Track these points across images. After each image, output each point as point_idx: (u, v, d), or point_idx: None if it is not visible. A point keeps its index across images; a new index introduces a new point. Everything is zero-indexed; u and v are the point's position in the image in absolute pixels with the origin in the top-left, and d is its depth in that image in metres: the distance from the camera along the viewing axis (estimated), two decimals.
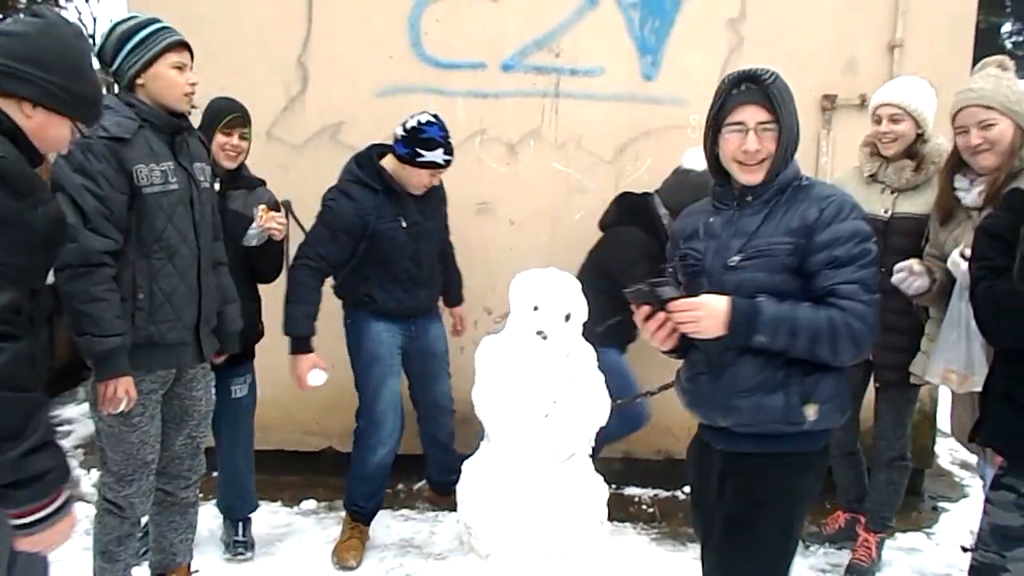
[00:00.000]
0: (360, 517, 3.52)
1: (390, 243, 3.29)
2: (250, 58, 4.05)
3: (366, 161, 3.34)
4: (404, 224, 3.30)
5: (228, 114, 3.18)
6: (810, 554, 3.53)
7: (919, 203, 3.00)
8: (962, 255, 2.47)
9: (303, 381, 3.26)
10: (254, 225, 3.16)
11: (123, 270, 2.49)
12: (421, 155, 3.23)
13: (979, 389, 2.39)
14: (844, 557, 3.43)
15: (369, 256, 3.31)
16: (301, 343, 3.24)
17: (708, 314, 1.94)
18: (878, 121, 3.08)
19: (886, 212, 3.06)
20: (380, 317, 3.42)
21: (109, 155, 2.43)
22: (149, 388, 2.61)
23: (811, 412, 1.99)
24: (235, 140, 3.19)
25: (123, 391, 2.47)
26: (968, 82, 2.64)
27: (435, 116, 3.30)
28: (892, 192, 3.09)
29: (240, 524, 3.50)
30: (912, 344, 2.99)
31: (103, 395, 2.47)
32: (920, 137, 3.05)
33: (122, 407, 2.49)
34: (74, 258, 2.38)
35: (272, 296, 3.72)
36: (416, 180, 3.29)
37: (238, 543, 3.46)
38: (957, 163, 2.68)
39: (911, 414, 3.29)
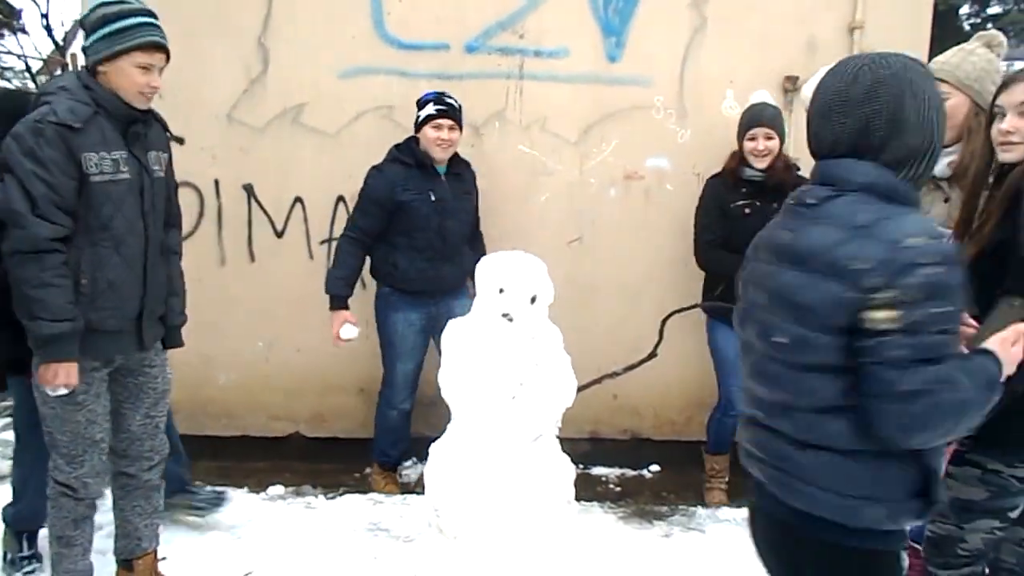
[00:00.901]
0: (388, 465, 4.01)
1: (415, 214, 3.58)
2: (209, 39, 3.98)
3: (404, 142, 3.69)
4: (432, 198, 3.59)
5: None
6: None
7: None
8: None
9: (335, 332, 3.62)
10: None
11: (69, 255, 2.46)
12: (419, 116, 3.59)
13: None
14: None
15: (397, 225, 3.62)
16: (336, 301, 3.64)
17: None
18: None
19: None
20: (402, 301, 3.67)
21: (59, 141, 2.39)
22: (91, 366, 2.58)
23: None
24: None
25: (64, 376, 2.45)
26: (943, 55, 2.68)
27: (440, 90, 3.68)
28: None
29: (191, 488, 3.52)
30: None
31: (43, 375, 2.45)
32: None
33: (61, 391, 2.48)
34: (22, 244, 2.37)
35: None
36: (428, 143, 3.59)
37: (216, 497, 3.49)
38: None
39: None
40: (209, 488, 3.52)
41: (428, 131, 3.57)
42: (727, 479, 3.98)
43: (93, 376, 2.59)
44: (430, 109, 3.57)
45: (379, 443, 4.00)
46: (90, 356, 2.57)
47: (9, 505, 3.19)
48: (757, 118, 3.49)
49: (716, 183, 3.71)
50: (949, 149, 2.60)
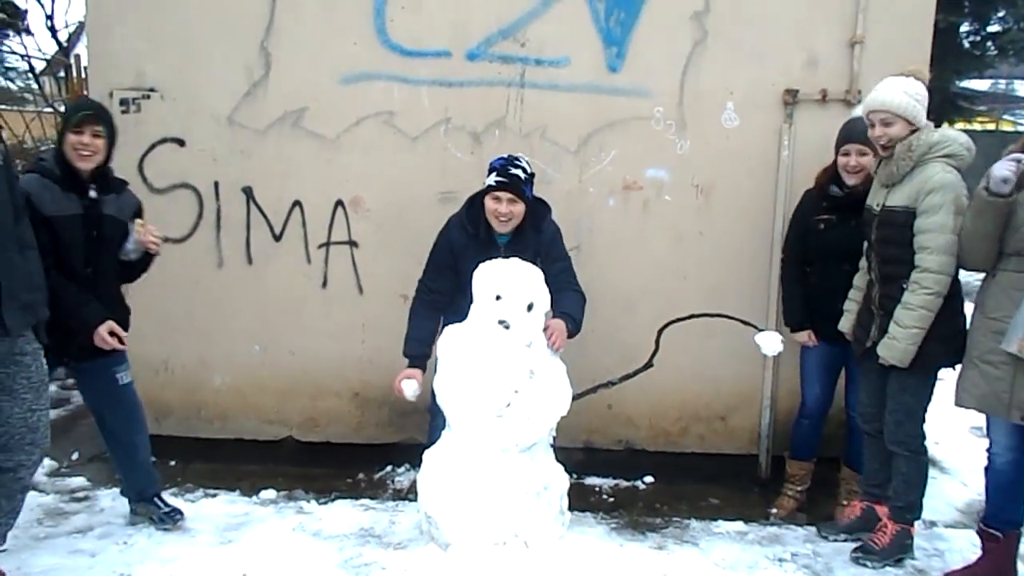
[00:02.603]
0: None
1: (470, 280, 3.37)
2: (211, 42, 3.99)
3: (474, 201, 3.54)
4: None
5: (76, 112, 3.12)
6: (822, 543, 3.58)
7: (897, 196, 3.16)
8: None
9: (397, 387, 3.47)
10: (132, 239, 3.22)
11: None
12: (485, 183, 3.44)
13: None
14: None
15: (458, 278, 3.51)
16: (411, 360, 3.52)
17: None
18: (872, 125, 3.22)
19: (878, 206, 3.24)
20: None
21: None
22: None
23: None
24: (86, 139, 3.07)
25: None
26: None
27: (514, 155, 3.51)
28: (885, 187, 3.24)
29: (158, 499, 3.53)
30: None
31: None
32: (913, 131, 3.15)
33: None
34: None
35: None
36: (488, 213, 3.44)
37: (169, 514, 3.49)
38: None
39: (916, 400, 3.24)
40: (166, 505, 3.54)
41: (488, 201, 3.43)
42: (801, 488, 3.92)
43: None
44: (491, 179, 3.41)
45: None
46: None
47: None
48: (850, 134, 3.45)
49: (807, 196, 3.72)
50: None
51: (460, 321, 3.36)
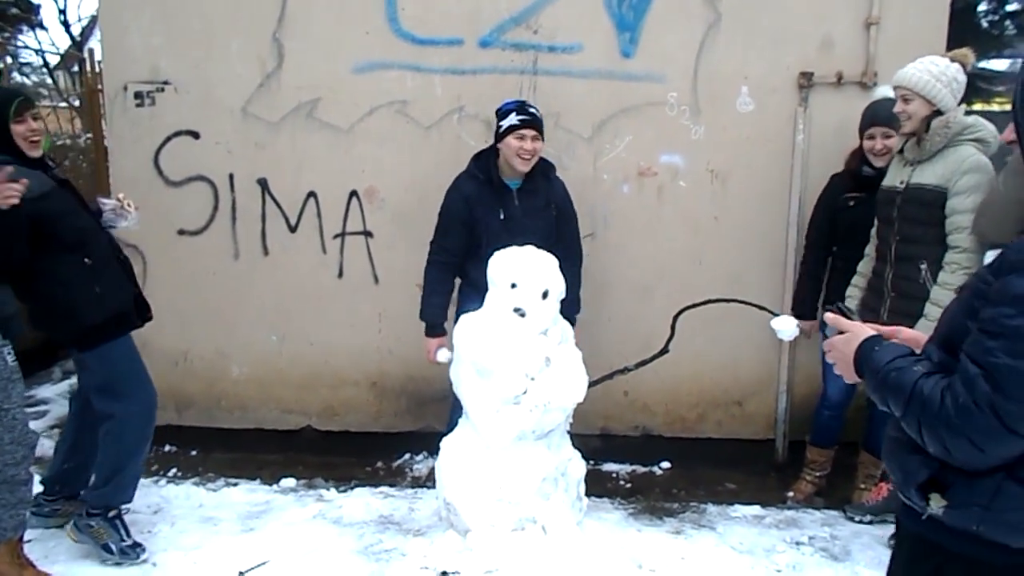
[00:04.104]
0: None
1: (485, 230, 3.46)
2: (225, 34, 4.00)
3: (483, 153, 3.58)
4: (502, 216, 3.46)
5: (13, 100, 2.91)
6: (840, 526, 3.58)
7: (926, 175, 3.13)
8: None
9: (431, 356, 3.56)
10: (132, 214, 3.24)
11: None
12: (500, 127, 3.43)
13: None
14: (887, 530, 3.43)
15: (472, 236, 3.53)
16: (431, 328, 3.58)
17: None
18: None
19: (902, 184, 3.21)
20: (476, 294, 3.45)
21: None
22: None
23: (935, 505, 1.49)
24: (33, 124, 2.94)
25: None
26: None
27: (520, 98, 3.60)
28: (909, 165, 3.21)
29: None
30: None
31: None
32: (936, 113, 3.11)
33: None
34: None
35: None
36: (511, 153, 3.42)
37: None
38: None
39: None
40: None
41: (511, 141, 3.40)
42: (820, 475, 3.91)
43: None
44: (512, 119, 3.40)
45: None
46: None
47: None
48: (873, 117, 3.45)
49: (835, 181, 3.71)
50: None
51: (476, 295, 3.37)
